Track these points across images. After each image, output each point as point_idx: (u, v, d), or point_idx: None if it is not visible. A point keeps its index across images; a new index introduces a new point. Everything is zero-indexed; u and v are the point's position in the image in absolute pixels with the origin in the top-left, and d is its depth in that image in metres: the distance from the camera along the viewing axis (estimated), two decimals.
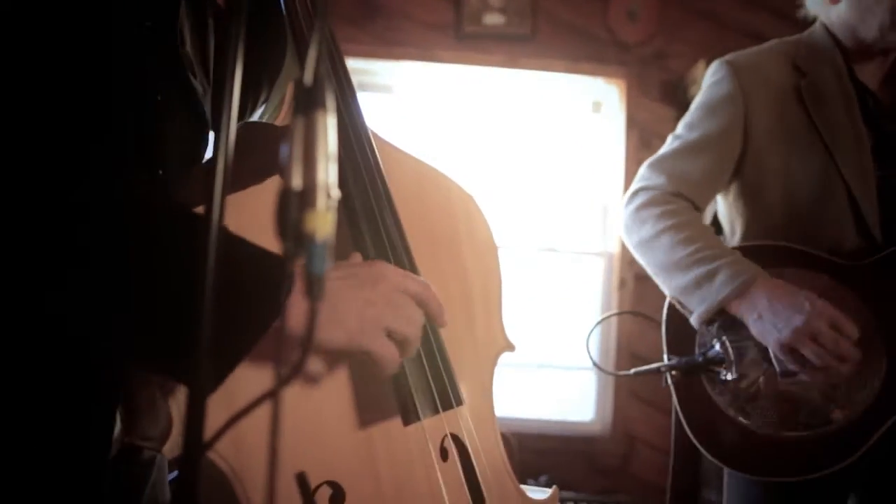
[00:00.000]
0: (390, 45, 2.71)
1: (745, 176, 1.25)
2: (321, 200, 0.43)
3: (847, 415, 1.08)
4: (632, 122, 2.78)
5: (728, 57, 1.30)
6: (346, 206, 0.77)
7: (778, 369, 1.09)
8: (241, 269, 0.57)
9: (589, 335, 1.23)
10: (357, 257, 0.73)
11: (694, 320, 1.14)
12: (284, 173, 0.45)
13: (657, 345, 1.24)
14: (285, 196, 0.44)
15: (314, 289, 0.43)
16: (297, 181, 0.44)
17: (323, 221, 0.43)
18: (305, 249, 0.43)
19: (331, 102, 0.45)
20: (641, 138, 2.77)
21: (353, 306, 0.62)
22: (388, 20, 2.71)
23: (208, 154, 0.81)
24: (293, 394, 0.66)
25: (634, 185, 1.29)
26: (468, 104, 2.84)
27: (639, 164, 2.80)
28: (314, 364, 0.64)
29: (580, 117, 2.89)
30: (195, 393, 0.42)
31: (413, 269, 0.77)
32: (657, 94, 2.80)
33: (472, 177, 2.74)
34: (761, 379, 1.11)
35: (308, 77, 0.45)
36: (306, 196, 0.43)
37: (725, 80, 1.25)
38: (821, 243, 1.17)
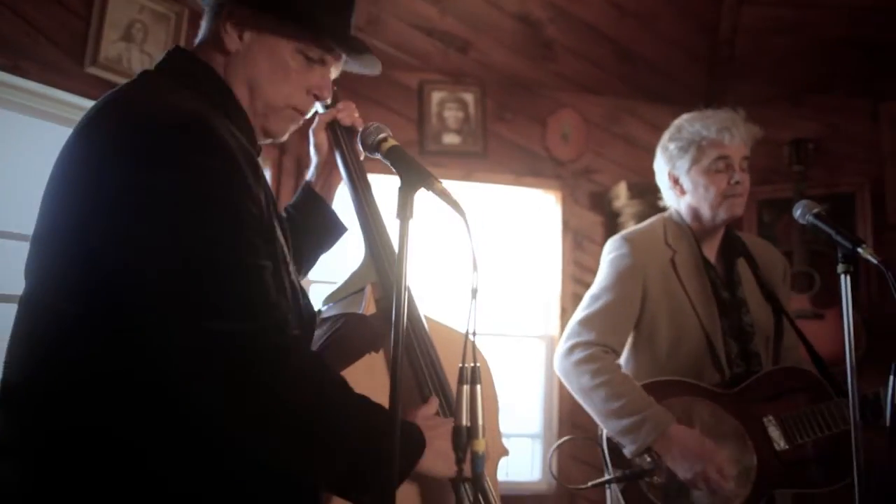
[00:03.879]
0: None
1: (642, 328, 1.72)
2: (481, 433, 0.85)
3: (740, 500, 1.57)
4: (566, 227, 3.32)
5: (625, 235, 1.80)
6: (413, 365, 1.17)
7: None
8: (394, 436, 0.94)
9: (550, 456, 1.62)
10: (434, 402, 1.11)
11: (627, 453, 1.59)
12: (456, 416, 0.86)
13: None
14: (458, 430, 0.85)
15: (479, 480, 0.84)
16: (465, 421, 0.86)
17: (482, 444, 0.85)
18: (473, 460, 0.85)
19: (477, 377, 0.87)
20: (574, 240, 3.31)
21: (452, 452, 0.97)
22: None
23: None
24: None
25: (570, 341, 1.70)
26: (429, 210, 3.29)
27: (573, 261, 3.35)
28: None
29: (524, 223, 3.41)
30: None
31: (446, 389, 1.15)
32: (587, 203, 3.36)
33: (434, 273, 3.18)
34: (680, 480, 1.56)
35: (468, 366, 0.87)
36: (472, 430, 0.85)
37: (627, 256, 1.72)
38: (691, 376, 1.66)
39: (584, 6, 3.07)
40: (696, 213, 1.76)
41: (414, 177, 0.95)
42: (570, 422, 3.18)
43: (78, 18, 2.39)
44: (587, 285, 3.24)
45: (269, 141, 1.13)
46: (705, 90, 3.41)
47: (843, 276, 1.43)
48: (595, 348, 1.65)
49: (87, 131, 0.91)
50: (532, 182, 3.32)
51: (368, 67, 1.17)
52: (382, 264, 1.26)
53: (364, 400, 0.94)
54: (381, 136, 1.02)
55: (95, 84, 2.39)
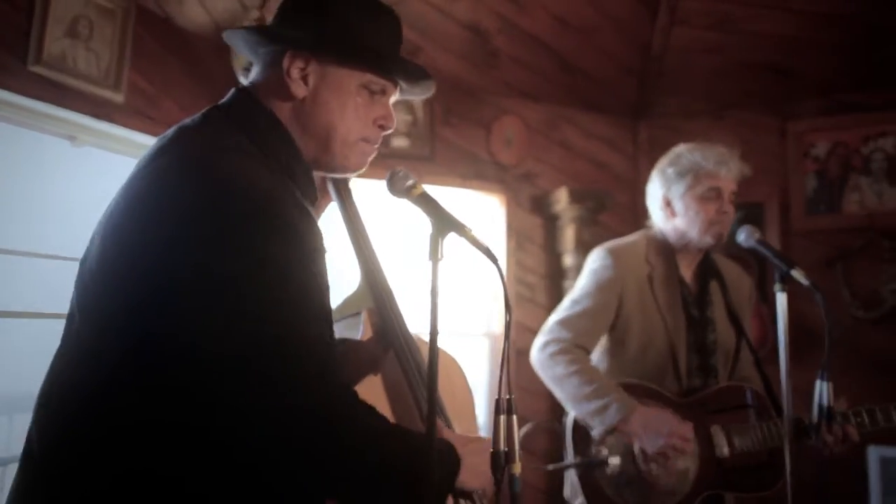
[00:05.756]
0: None
1: (615, 333, 1.92)
2: (518, 457, 0.96)
3: (679, 497, 1.78)
4: (510, 229, 3.47)
5: (610, 248, 1.97)
6: (410, 384, 1.27)
7: (643, 467, 1.76)
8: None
9: (522, 436, 1.79)
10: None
11: (595, 434, 1.78)
12: (494, 443, 0.96)
13: (542, 400, 1.85)
14: (497, 454, 0.96)
15: (517, 500, 0.95)
16: (502, 447, 0.96)
17: (518, 467, 0.96)
18: (510, 481, 0.95)
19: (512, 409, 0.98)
20: (517, 241, 3.47)
21: (483, 468, 1.06)
22: None
23: None
24: None
25: (547, 336, 1.89)
26: (380, 211, 3.35)
27: (516, 262, 3.50)
28: None
29: (470, 225, 3.52)
30: None
31: (442, 405, 1.28)
32: (528, 206, 3.53)
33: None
34: (632, 472, 1.76)
35: (504, 398, 0.98)
36: (510, 455, 0.96)
37: (609, 268, 1.91)
38: (653, 382, 1.86)
39: (531, 19, 3.21)
40: (682, 235, 1.92)
41: (445, 223, 1.03)
42: (521, 408, 3.35)
43: (19, 13, 2.26)
44: (528, 285, 3.45)
45: (344, 176, 1.18)
46: (636, 102, 3.66)
47: (778, 294, 1.65)
48: (568, 345, 1.83)
49: (166, 187, 0.93)
50: (477, 185, 3.44)
51: (423, 91, 1.20)
52: (378, 291, 1.34)
53: (406, 432, 1.03)
54: (410, 182, 1.10)
55: (40, 83, 2.28)
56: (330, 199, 1.42)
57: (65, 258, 2.44)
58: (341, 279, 1.44)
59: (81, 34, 2.44)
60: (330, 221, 1.40)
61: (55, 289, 2.32)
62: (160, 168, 0.95)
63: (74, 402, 0.90)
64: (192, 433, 0.87)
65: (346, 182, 1.43)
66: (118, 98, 2.51)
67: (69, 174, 2.80)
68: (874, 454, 2.99)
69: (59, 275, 2.44)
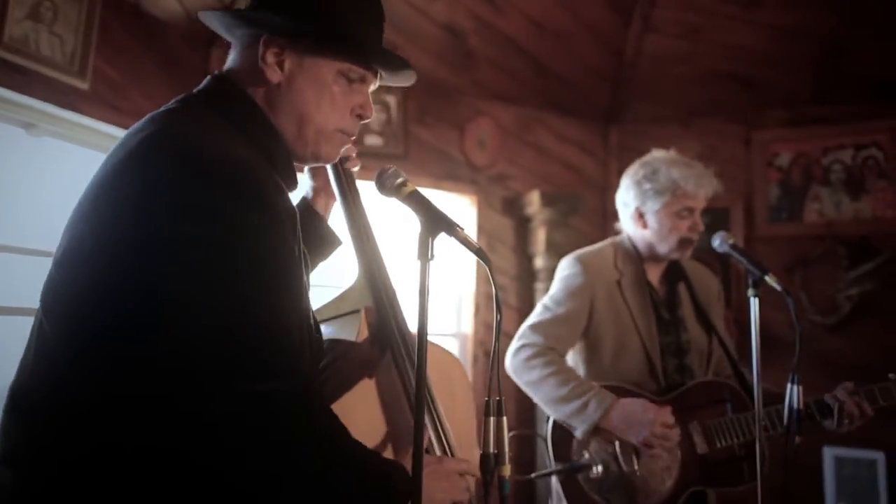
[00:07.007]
0: None
1: (588, 338, 1.94)
2: (507, 459, 0.96)
3: (663, 496, 1.80)
4: (481, 230, 3.48)
5: (578, 256, 2.00)
6: (404, 385, 1.25)
7: (626, 468, 1.78)
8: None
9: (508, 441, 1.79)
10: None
11: (579, 434, 1.78)
12: (483, 445, 0.96)
13: (507, 404, 1.84)
14: (486, 457, 0.95)
15: (505, 500, 0.95)
16: (493, 449, 0.96)
17: (507, 469, 0.96)
18: (499, 484, 0.95)
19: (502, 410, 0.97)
20: (488, 243, 3.47)
21: (439, 493, 1.04)
22: None
23: None
24: None
25: (519, 342, 1.89)
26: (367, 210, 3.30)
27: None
28: None
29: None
30: None
31: (437, 408, 1.23)
32: (499, 208, 3.54)
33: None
34: (615, 474, 1.77)
35: (494, 399, 0.97)
36: (499, 457, 0.95)
37: (579, 274, 1.93)
38: (631, 383, 1.89)
39: (507, 21, 3.22)
40: (650, 246, 1.96)
41: (436, 222, 1.02)
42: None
43: None
44: (499, 286, 3.45)
45: (319, 164, 1.14)
46: (608, 107, 3.71)
47: (752, 299, 1.69)
48: (542, 348, 1.84)
49: (134, 164, 0.89)
50: (450, 186, 3.43)
51: (403, 80, 1.16)
52: (378, 289, 1.31)
53: (365, 451, 0.98)
54: (400, 180, 1.08)
55: (0, 68, 2.18)
56: (335, 199, 1.38)
57: (15, 250, 2.34)
58: (345, 276, 1.40)
59: (45, 17, 2.34)
60: (336, 219, 1.36)
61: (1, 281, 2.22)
62: (130, 151, 0.91)
63: (45, 390, 0.87)
64: (165, 409, 0.84)
65: (351, 176, 1.39)
66: (83, 86, 2.42)
67: (25, 164, 2.69)
68: (829, 454, 3.09)
69: (6, 267, 2.34)
